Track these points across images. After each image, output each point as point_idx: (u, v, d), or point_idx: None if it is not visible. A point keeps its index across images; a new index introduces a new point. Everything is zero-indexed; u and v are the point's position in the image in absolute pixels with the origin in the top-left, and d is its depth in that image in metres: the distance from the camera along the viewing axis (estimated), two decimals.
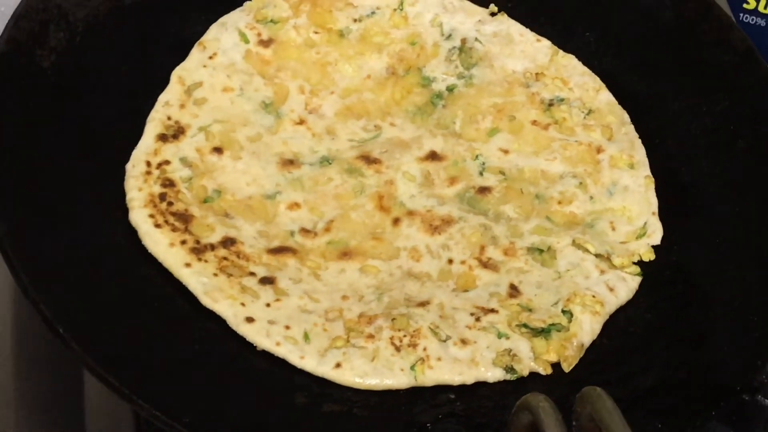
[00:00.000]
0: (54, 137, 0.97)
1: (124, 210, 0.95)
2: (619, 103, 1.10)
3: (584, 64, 1.13)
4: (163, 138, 0.98)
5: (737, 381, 0.89)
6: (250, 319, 0.90)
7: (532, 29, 1.15)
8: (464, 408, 0.88)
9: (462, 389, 0.89)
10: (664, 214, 1.03)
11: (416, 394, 0.89)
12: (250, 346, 0.89)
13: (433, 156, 1.04)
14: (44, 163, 0.94)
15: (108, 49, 1.03)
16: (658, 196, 1.04)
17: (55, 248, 0.90)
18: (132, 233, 0.94)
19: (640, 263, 1.00)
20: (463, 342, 0.91)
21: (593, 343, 0.94)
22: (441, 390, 0.89)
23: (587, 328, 0.94)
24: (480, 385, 0.90)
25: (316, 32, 1.09)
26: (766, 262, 0.98)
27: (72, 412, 0.96)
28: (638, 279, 0.98)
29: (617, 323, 0.96)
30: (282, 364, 0.89)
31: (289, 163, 1.01)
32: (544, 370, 0.91)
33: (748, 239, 0.99)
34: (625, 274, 0.98)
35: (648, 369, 0.91)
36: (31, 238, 0.89)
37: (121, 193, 0.96)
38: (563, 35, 1.15)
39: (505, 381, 0.90)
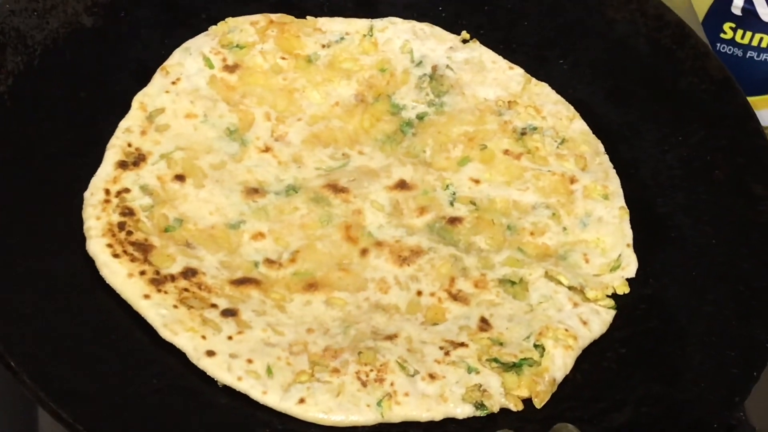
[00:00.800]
0: (10, 163, 0.93)
1: (82, 239, 0.91)
2: (594, 132, 1.08)
3: (558, 92, 1.11)
4: (123, 165, 0.95)
5: (714, 418, 0.87)
6: (210, 353, 0.86)
7: (504, 56, 1.13)
8: None
9: (430, 426, 0.86)
10: (639, 246, 1.00)
11: (382, 431, 0.85)
12: (211, 381, 0.86)
13: (402, 185, 1.01)
14: None
15: (67, 73, 1.01)
16: (633, 227, 1.01)
17: (8, 277, 0.86)
18: (90, 263, 0.90)
19: (614, 296, 0.97)
20: (432, 377, 0.88)
21: (566, 378, 0.91)
22: (408, 426, 0.86)
23: (559, 362, 0.91)
24: (448, 421, 0.87)
25: (283, 58, 1.07)
26: (743, 296, 0.96)
27: None
28: (612, 312, 0.95)
29: (590, 358, 0.92)
30: (244, 399, 0.85)
31: (254, 191, 0.98)
32: (515, 406, 0.88)
33: (725, 272, 0.98)
34: (599, 307, 0.95)
35: (622, 405, 0.89)
36: None
37: (79, 222, 0.92)
38: (536, 62, 1.13)
39: (474, 417, 0.87)
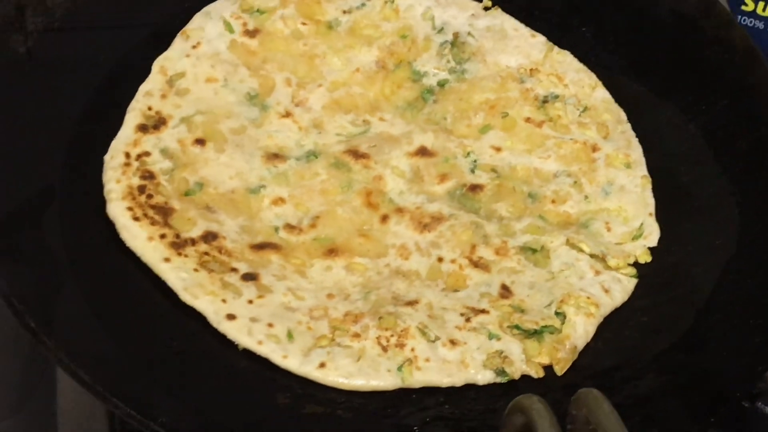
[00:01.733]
0: (31, 126, 0.92)
1: (102, 202, 0.90)
2: (616, 101, 1.06)
3: (580, 60, 1.09)
4: (143, 129, 0.94)
5: (737, 387, 0.86)
6: (231, 317, 0.85)
7: (526, 24, 1.11)
8: (452, 411, 0.83)
9: (450, 391, 0.85)
10: (661, 215, 0.99)
11: (403, 396, 0.85)
12: (230, 345, 0.85)
13: (423, 152, 1.00)
14: (20, 154, 0.90)
15: (86, 37, 0.99)
16: (655, 196, 1.00)
17: (29, 241, 0.86)
18: (110, 226, 0.89)
19: (636, 265, 0.95)
20: (453, 343, 0.87)
21: (587, 347, 0.90)
22: (429, 392, 0.85)
23: (581, 330, 0.90)
24: (469, 388, 0.86)
25: (303, 23, 1.05)
26: (766, 265, 0.94)
27: (44, 411, 0.91)
28: (634, 281, 0.94)
29: (612, 326, 0.91)
30: (264, 363, 0.84)
31: (275, 156, 0.97)
32: (536, 373, 0.87)
33: (749, 241, 0.95)
34: (621, 275, 0.94)
35: (644, 374, 0.88)
36: (4, 232, 0.86)
37: (99, 185, 0.91)
38: (559, 30, 1.11)
39: (495, 384, 0.86)
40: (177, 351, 0.85)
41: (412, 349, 0.86)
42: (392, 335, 0.86)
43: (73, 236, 0.88)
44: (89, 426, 0.90)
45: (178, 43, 1.01)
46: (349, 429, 0.82)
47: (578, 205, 0.99)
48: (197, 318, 0.87)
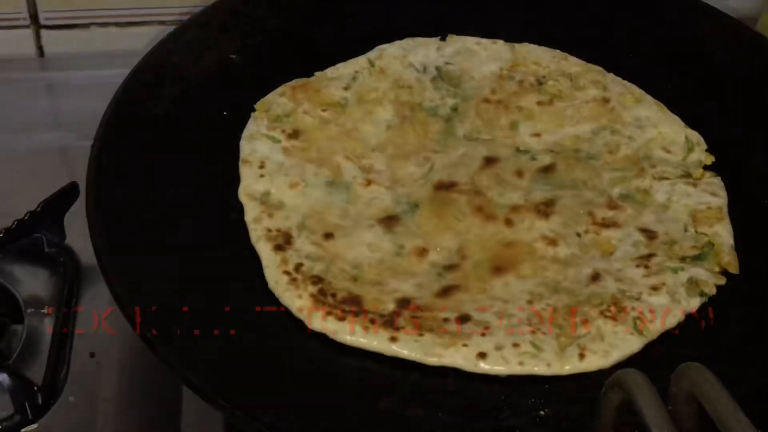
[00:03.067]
0: (162, 182, 0.97)
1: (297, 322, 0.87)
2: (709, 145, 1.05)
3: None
4: (279, 248, 0.89)
5: None
6: (481, 355, 0.82)
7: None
8: (552, 412, 0.81)
9: (548, 392, 0.83)
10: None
11: (504, 397, 0.82)
12: (335, 353, 0.84)
13: (489, 161, 1.00)
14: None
15: (215, 100, 1.06)
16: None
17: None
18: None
19: (706, 167, 1.01)
20: (655, 289, 0.88)
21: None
22: (528, 393, 0.82)
23: (724, 233, 0.93)
24: (571, 379, 0.84)
25: (323, 110, 1.03)
26: None
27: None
28: (719, 179, 0.99)
29: None
30: (368, 369, 0.83)
31: (388, 219, 0.95)
32: (721, 281, 0.90)
33: None
34: (708, 179, 0.99)
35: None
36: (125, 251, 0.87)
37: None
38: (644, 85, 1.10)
39: (598, 372, 0.84)
40: (285, 361, 0.83)
41: (633, 308, 0.86)
42: (609, 307, 0.86)
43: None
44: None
45: (246, 171, 0.96)
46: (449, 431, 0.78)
47: (629, 146, 1.02)
48: (307, 333, 0.85)
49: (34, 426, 0.87)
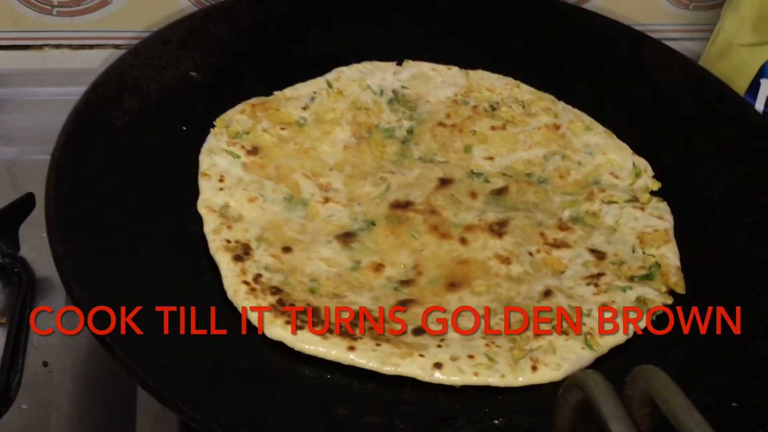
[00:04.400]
0: (122, 188, 0.97)
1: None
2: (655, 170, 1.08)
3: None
4: (238, 258, 0.90)
5: None
6: (438, 365, 0.84)
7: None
8: (504, 421, 0.83)
9: (502, 403, 0.85)
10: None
11: (458, 407, 0.84)
12: (294, 362, 0.85)
13: (444, 182, 1.03)
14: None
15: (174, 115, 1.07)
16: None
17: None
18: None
19: (653, 193, 1.04)
20: (607, 305, 0.91)
21: None
22: (482, 404, 0.84)
23: (671, 254, 0.96)
24: (523, 391, 0.86)
25: (282, 128, 1.04)
26: None
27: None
28: (665, 203, 1.03)
29: None
30: (325, 379, 0.85)
31: (345, 236, 0.96)
32: (667, 300, 0.93)
33: None
34: (656, 204, 1.03)
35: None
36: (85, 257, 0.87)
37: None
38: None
39: (551, 385, 0.86)
40: (245, 368, 0.84)
41: (584, 324, 0.88)
42: (561, 322, 0.89)
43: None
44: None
45: (205, 184, 0.97)
46: None
47: (578, 170, 1.05)
48: (266, 342, 0.86)
49: None
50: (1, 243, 1.01)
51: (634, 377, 0.64)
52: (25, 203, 1.02)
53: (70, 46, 1.34)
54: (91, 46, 1.35)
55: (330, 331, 0.85)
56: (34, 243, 1.03)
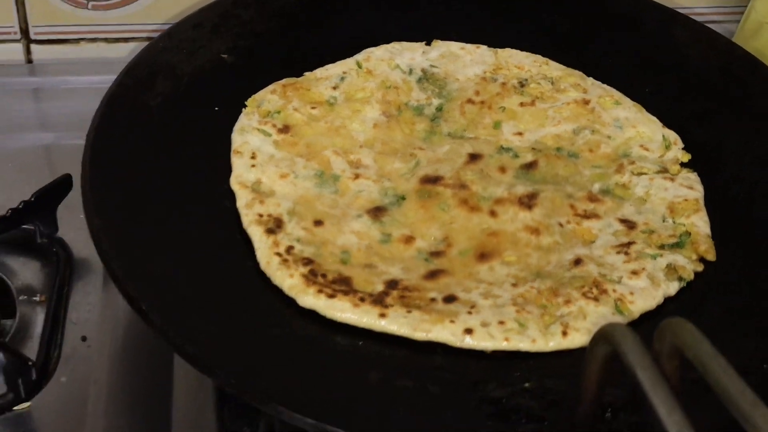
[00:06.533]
0: (157, 170, 0.99)
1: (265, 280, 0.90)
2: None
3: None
4: (270, 231, 0.91)
5: None
6: (468, 331, 0.85)
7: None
8: (536, 385, 0.83)
9: (533, 367, 0.85)
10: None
11: (491, 371, 0.84)
12: (325, 331, 0.86)
13: (473, 158, 1.03)
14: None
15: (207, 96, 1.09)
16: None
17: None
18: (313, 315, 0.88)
19: (683, 164, 1.04)
20: (635, 273, 0.91)
21: None
22: (515, 367, 0.84)
23: (701, 222, 0.97)
24: (555, 356, 0.86)
25: (313, 107, 1.05)
26: None
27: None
28: (695, 174, 1.03)
29: None
30: (357, 346, 0.85)
31: (376, 210, 0.97)
32: (699, 268, 0.93)
33: None
34: (686, 174, 1.03)
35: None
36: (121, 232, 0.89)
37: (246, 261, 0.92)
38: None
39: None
40: (278, 336, 0.85)
41: (614, 291, 0.89)
42: (590, 289, 0.89)
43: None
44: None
45: (238, 161, 0.98)
46: (437, 402, 0.80)
47: (608, 144, 1.05)
48: (298, 311, 0.87)
49: (27, 404, 0.87)
50: (39, 223, 1.03)
51: (662, 330, 0.64)
52: (62, 184, 1.04)
53: (105, 40, 1.38)
54: (126, 39, 1.38)
55: (361, 300, 0.85)
56: (73, 224, 1.05)
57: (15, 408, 0.87)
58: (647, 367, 0.59)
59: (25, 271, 1.02)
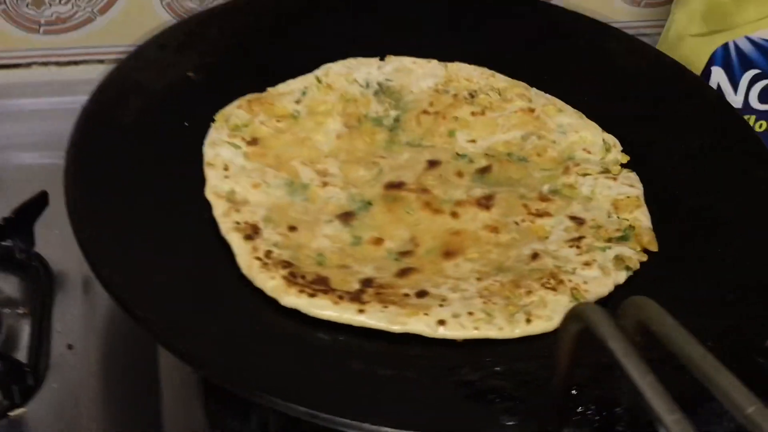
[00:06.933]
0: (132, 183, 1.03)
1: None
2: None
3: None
4: (249, 237, 0.97)
5: None
6: (441, 322, 0.91)
7: None
8: (507, 368, 0.89)
9: (501, 351, 0.92)
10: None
11: (463, 357, 0.91)
12: (307, 326, 0.92)
13: (432, 164, 1.10)
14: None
15: (177, 111, 1.14)
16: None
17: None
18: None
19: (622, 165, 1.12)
20: (587, 264, 0.99)
21: None
22: (485, 353, 0.91)
23: (643, 217, 1.04)
24: (517, 343, 0.93)
25: (278, 121, 1.11)
26: None
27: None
28: (634, 173, 1.11)
29: None
30: (338, 339, 0.92)
31: (346, 215, 1.03)
32: (643, 258, 1.01)
33: None
34: (626, 174, 1.11)
35: None
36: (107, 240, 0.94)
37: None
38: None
39: (544, 335, 0.94)
40: (260, 332, 0.91)
41: (569, 281, 0.96)
42: (549, 279, 0.96)
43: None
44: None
45: (211, 173, 1.04)
46: (417, 386, 0.87)
47: (554, 149, 1.13)
48: (279, 310, 0.93)
49: (23, 410, 0.91)
50: (18, 240, 1.07)
51: (626, 307, 0.72)
52: (39, 201, 1.08)
53: (56, 63, 1.42)
54: (76, 62, 1.42)
55: (340, 297, 0.91)
56: (48, 239, 1.09)
57: (10, 414, 0.91)
58: (618, 338, 0.66)
59: (6, 286, 1.05)
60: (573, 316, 0.72)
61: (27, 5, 1.33)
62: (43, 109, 1.34)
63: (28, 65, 1.41)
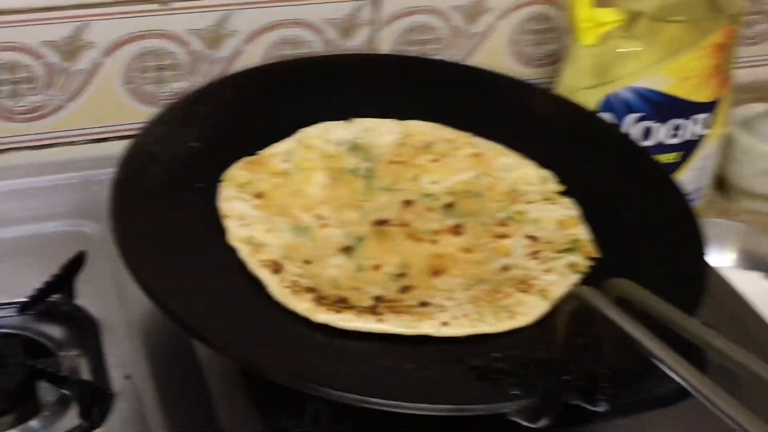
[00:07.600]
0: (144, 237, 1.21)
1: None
2: None
3: None
4: (275, 271, 1.16)
5: None
6: (444, 323, 1.12)
7: None
8: (503, 355, 1.09)
9: (495, 343, 1.13)
10: None
11: (465, 350, 1.11)
12: (333, 333, 1.12)
13: (407, 203, 1.32)
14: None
15: (186, 170, 1.35)
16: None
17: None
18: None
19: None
20: (547, 271, 1.21)
21: None
22: (483, 345, 1.12)
23: (583, 232, 1.28)
24: (505, 336, 1.15)
25: (274, 177, 1.31)
26: None
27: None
28: (570, 199, 1.35)
29: None
30: (364, 343, 1.12)
31: (346, 249, 1.23)
32: (589, 262, 1.24)
33: None
34: (563, 200, 1.34)
35: None
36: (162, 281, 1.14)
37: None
38: None
39: (527, 327, 1.16)
40: (303, 344, 1.11)
41: (537, 284, 1.18)
42: (520, 284, 1.18)
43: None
44: None
45: (230, 223, 1.22)
46: (435, 374, 1.08)
47: (502, 184, 1.36)
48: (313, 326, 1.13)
49: (103, 429, 1.08)
50: (61, 295, 1.24)
51: (608, 288, 0.95)
52: (78, 260, 1.25)
53: (30, 147, 1.61)
54: (49, 146, 1.61)
55: (360, 312, 1.12)
56: (88, 293, 1.26)
57: None
58: (610, 306, 0.89)
59: (57, 335, 1.21)
60: (571, 297, 0.95)
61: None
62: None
63: (5, 151, 1.62)
